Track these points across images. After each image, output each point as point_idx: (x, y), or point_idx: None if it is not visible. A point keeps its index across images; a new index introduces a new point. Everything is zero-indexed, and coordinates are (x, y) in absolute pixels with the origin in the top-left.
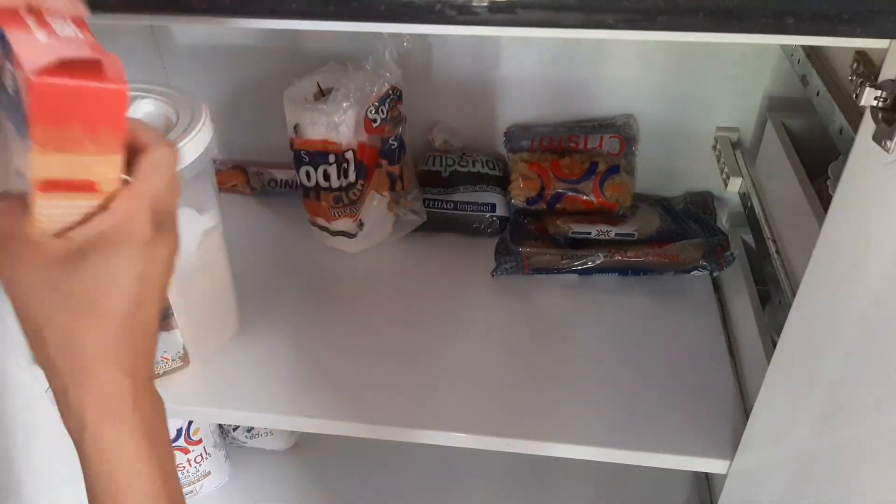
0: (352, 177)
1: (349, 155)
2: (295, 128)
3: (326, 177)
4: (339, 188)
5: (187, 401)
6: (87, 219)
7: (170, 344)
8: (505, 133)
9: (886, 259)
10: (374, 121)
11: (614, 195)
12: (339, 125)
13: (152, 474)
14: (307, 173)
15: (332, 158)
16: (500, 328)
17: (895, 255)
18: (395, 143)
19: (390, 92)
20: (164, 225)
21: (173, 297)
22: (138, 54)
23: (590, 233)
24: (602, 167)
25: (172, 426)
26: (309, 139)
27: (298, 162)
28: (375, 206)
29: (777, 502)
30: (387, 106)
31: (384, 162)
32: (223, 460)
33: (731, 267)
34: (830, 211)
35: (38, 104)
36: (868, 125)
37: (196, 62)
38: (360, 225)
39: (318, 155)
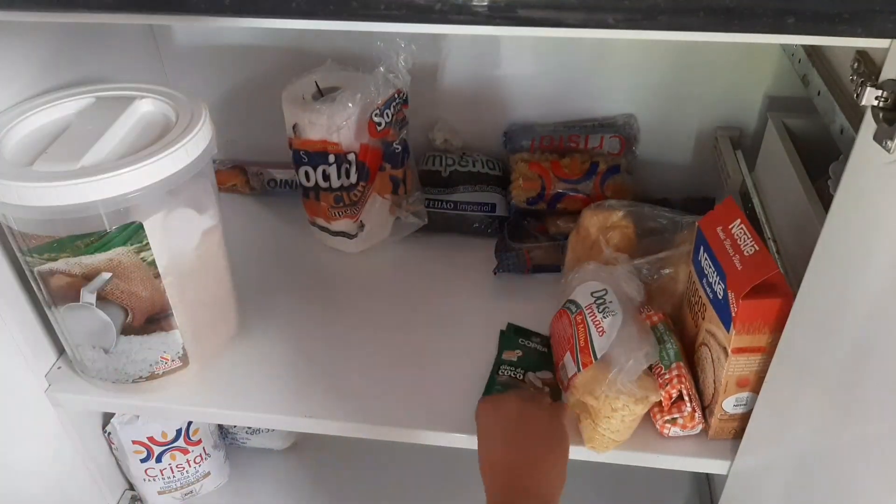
0: (353, 178)
1: (350, 156)
2: (294, 128)
3: (326, 177)
4: (340, 188)
5: (187, 401)
6: None
7: (169, 344)
8: (505, 133)
9: (887, 259)
10: (379, 124)
11: (615, 195)
12: (340, 127)
13: None
14: (306, 173)
15: (331, 159)
16: (500, 328)
17: (895, 254)
18: (399, 147)
19: (396, 96)
20: None
21: (173, 297)
22: (138, 54)
23: None
24: (603, 167)
25: (172, 426)
26: (308, 139)
27: (297, 162)
28: (377, 207)
29: (777, 502)
30: (392, 110)
31: (387, 165)
32: (223, 460)
33: None
34: (831, 211)
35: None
36: (869, 125)
37: (196, 62)
38: (361, 226)
39: (317, 155)
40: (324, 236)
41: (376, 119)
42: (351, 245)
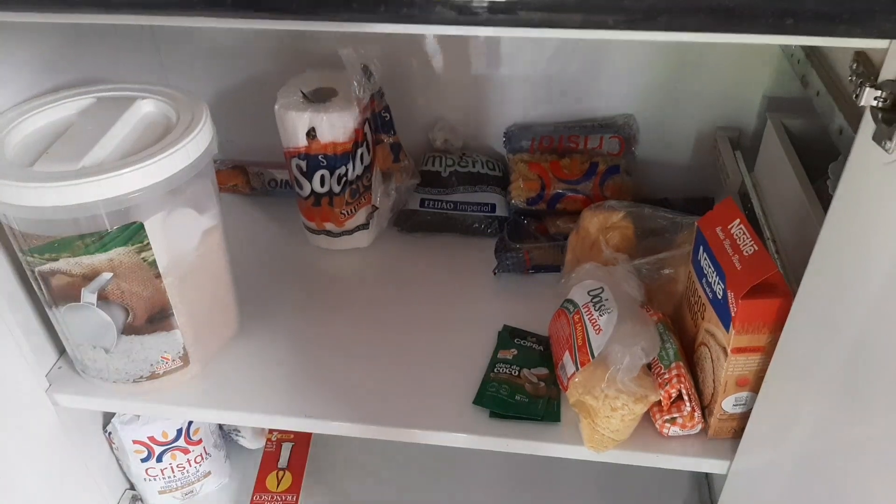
0: (366, 162)
1: (364, 144)
2: (309, 133)
3: (342, 176)
4: (356, 180)
5: (187, 401)
6: None
7: (170, 344)
8: (505, 133)
9: (887, 259)
10: (363, 98)
11: (614, 195)
12: (347, 122)
13: None
14: (322, 178)
15: (358, 153)
16: (499, 328)
17: (895, 254)
18: (387, 115)
19: (367, 68)
20: None
21: (174, 297)
22: (138, 54)
23: None
24: (602, 167)
25: (173, 426)
26: (332, 141)
27: (313, 168)
28: (381, 184)
29: (777, 502)
30: (369, 81)
31: (384, 136)
32: (223, 460)
33: None
34: (830, 211)
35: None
36: (868, 125)
37: (196, 62)
38: (373, 210)
39: (341, 156)
40: (332, 242)
41: (360, 95)
42: (365, 238)
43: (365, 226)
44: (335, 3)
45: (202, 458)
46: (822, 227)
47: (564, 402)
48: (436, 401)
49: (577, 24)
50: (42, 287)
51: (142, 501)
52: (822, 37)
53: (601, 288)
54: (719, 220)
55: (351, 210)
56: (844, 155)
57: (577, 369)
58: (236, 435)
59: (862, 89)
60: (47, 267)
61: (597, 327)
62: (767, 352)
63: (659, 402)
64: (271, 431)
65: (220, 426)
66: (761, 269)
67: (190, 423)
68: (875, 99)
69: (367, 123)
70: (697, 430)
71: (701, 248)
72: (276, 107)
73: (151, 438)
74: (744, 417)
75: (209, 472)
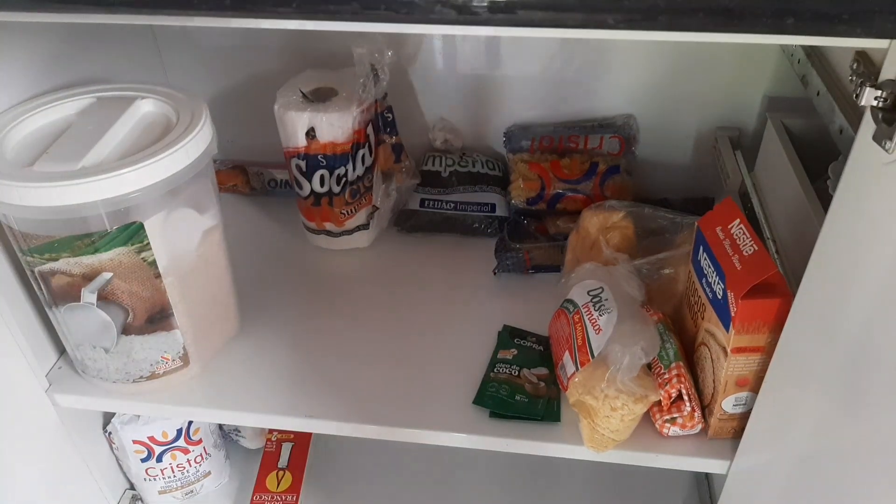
0: (367, 162)
1: (366, 145)
2: (309, 133)
3: (342, 177)
4: (356, 180)
5: (187, 401)
6: None
7: (170, 344)
8: (505, 133)
9: (886, 259)
10: (366, 100)
11: (614, 195)
12: (346, 122)
13: None
14: (321, 178)
15: (358, 154)
16: (499, 328)
17: (895, 255)
18: (390, 115)
19: (372, 69)
20: None
21: (174, 297)
22: (138, 54)
23: None
24: (602, 167)
25: (173, 426)
26: (331, 141)
27: (313, 168)
28: (381, 185)
29: (777, 502)
30: (373, 83)
31: (386, 137)
32: (223, 460)
33: None
34: (830, 211)
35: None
36: (868, 125)
37: (196, 62)
38: (373, 211)
39: (340, 157)
40: (332, 242)
41: (363, 95)
42: (365, 238)
43: (365, 226)
44: (335, 3)
45: (202, 458)
46: (822, 227)
47: (564, 402)
48: (436, 401)
49: (578, 23)
50: (42, 287)
51: (142, 501)
52: (823, 37)
53: (601, 288)
54: (719, 220)
55: (351, 210)
56: (844, 155)
57: (577, 369)
58: (236, 435)
59: (862, 89)
60: (47, 267)
61: (597, 327)
62: (767, 352)
63: (659, 402)
64: (271, 431)
65: (220, 426)
66: (761, 269)
67: (190, 423)
68: (875, 99)
69: (370, 124)
70: (697, 430)
71: (701, 248)
72: (276, 107)
73: (151, 438)
74: (744, 417)
75: (209, 472)
